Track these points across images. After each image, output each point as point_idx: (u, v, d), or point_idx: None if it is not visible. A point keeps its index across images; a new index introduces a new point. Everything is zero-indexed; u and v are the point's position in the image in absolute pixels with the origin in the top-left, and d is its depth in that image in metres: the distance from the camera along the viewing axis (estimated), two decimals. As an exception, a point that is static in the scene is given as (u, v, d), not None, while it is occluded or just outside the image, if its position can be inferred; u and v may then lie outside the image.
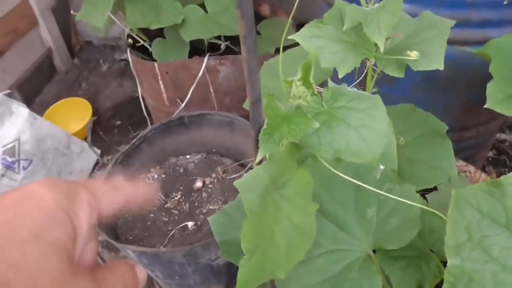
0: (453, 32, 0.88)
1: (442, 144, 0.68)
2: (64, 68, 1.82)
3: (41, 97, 1.73)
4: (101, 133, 1.60)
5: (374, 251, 0.52)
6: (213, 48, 1.20)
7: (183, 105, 1.10)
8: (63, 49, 1.80)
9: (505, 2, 0.69)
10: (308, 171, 0.45)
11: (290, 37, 0.53)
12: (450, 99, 0.99)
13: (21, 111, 1.23)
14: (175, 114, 1.13)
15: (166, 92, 1.21)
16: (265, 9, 1.46)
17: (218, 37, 1.20)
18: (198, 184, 1.02)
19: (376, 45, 0.57)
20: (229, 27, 1.06)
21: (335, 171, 0.46)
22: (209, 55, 1.11)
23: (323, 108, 0.42)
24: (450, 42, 0.93)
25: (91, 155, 1.38)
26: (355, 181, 0.48)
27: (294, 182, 0.45)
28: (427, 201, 0.62)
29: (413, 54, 0.51)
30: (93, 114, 1.59)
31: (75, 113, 1.58)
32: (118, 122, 1.66)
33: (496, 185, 0.38)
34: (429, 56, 0.54)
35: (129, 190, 0.30)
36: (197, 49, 1.20)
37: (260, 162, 0.38)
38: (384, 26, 0.45)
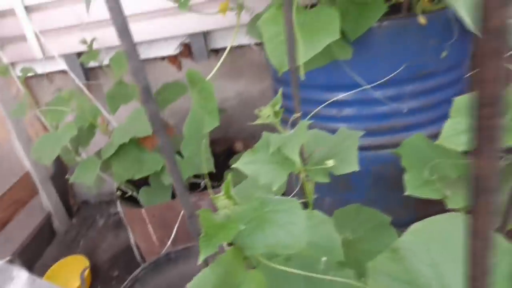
0: (385, 139, 1.05)
1: (389, 233, 0.78)
2: (63, 229, 1.93)
3: (42, 260, 1.81)
4: (99, 287, 1.64)
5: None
6: (194, 186, 1.34)
7: (169, 242, 1.20)
8: (61, 212, 1.94)
9: (405, 111, 0.85)
10: (261, 273, 0.55)
11: (233, 165, 0.67)
12: (403, 194, 1.10)
13: (21, 275, 1.31)
14: (162, 252, 1.21)
15: (155, 233, 1.31)
16: (239, 146, 1.66)
17: (198, 176, 1.35)
18: (191, 316, 1.06)
19: (305, 160, 0.71)
20: (201, 166, 1.21)
21: (286, 268, 0.55)
22: (189, 193, 1.24)
23: (256, 214, 0.53)
24: (381, 147, 1.08)
25: (90, 309, 1.41)
26: (304, 272, 0.57)
27: (247, 283, 0.54)
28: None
29: (329, 163, 0.65)
30: (91, 269, 1.66)
31: (74, 270, 1.64)
32: (116, 273, 1.71)
33: (394, 251, 0.48)
34: (347, 162, 0.68)
35: None
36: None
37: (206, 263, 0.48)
38: (296, 147, 0.59)
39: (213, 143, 1.61)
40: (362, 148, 1.04)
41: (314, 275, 0.55)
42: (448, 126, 0.62)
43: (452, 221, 0.50)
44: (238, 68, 1.70)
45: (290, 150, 0.60)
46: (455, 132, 0.61)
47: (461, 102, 0.64)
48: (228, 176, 0.47)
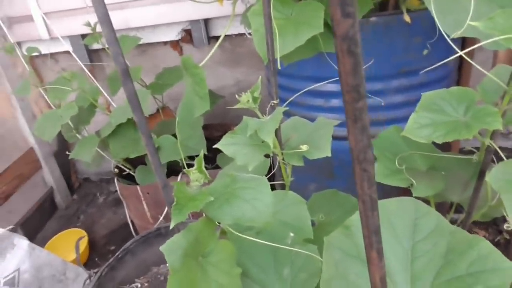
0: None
1: (360, 217, 0.83)
2: (64, 204, 2.01)
3: (43, 233, 1.89)
4: (96, 259, 1.72)
5: (294, 304, 0.63)
6: (189, 167, 1.40)
7: (161, 218, 1.26)
8: (63, 188, 2.01)
9: (382, 104, 0.90)
10: (232, 243, 0.60)
11: (214, 146, 0.73)
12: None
13: (21, 243, 1.38)
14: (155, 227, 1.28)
15: (149, 211, 1.38)
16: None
17: (193, 158, 1.41)
18: (177, 288, 1.12)
19: (282, 144, 0.76)
20: (194, 148, 1.27)
21: (254, 239, 0.60)
22: (182, 174, 1.30)
23: (226, 190, 0.59)
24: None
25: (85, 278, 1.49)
26: (272, 244, 0.63)
27: (217, 251, 0.60)
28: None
29: (304, 147, 0.70)
30: (90, 243, 1.74)
31: (73, 242, 1.72)
32: (113, 247, 1.79)
33: (346, 228, 0.53)
34: (320, 148, 0.72)
35: None
36: (175, 170, 1.40)
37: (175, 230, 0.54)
38: (270, 131, 0.64)
39: (210, 127, 1.67)
40: (345, 139, 1.10)
41: (279, 245, 0.61)
42: (412, 119, 0.66)
43: (399, 203, 0.55)
44: (237, 56, 1.75)
45: (265, 134, 0.65)
46: (419, 125, 0.65)
47: (427, 98, 0.69)
48: (201, 153, 0.53)
